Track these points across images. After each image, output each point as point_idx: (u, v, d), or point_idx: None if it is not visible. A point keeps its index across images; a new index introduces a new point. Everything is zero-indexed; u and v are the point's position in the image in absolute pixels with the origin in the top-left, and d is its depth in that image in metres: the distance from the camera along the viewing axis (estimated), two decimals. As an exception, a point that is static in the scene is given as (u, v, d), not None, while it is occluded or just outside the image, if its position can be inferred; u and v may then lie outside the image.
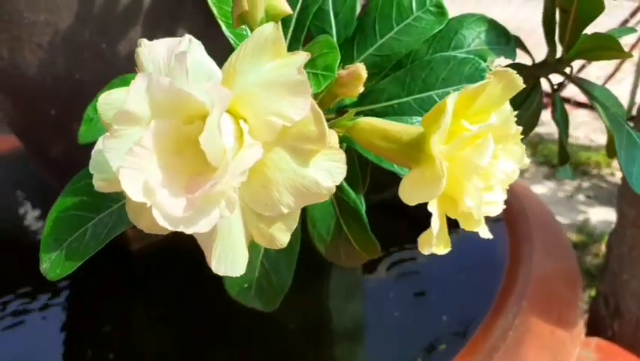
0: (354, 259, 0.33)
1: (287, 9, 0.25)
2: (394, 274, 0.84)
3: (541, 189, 1.67)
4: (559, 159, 0.44)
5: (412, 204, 0.23)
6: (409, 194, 0.23)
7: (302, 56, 0.20)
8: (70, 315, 0.87)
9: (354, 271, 0.84)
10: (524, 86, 0.24)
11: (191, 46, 0.22)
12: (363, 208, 0.34)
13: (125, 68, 0.68)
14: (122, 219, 0.24)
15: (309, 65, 0.25)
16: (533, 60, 0.45)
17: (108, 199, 0.25)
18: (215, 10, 0.29)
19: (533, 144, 1.92)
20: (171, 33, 0.68)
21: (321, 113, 0.20)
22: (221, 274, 0.22)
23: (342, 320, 0.78)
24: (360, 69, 0.26)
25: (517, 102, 0.43)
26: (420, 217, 0.28)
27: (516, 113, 0.43)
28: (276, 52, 0.21)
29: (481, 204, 0.23)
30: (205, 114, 0.21)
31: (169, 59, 0.22)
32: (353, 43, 0.30)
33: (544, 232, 0.77)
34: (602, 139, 1.95)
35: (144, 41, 0.23)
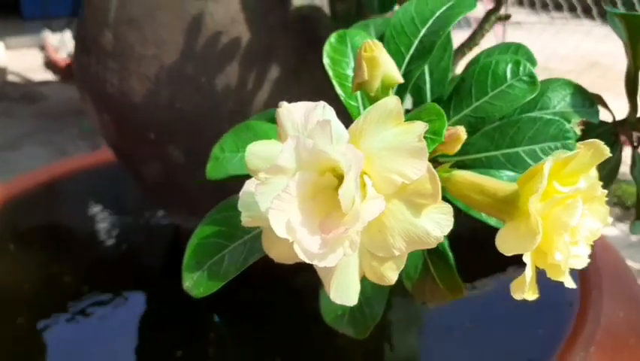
0: (439, 298, 0.37)
1: (400, 79, 0.29)
2: (460, 307, 0.85)
3: (613, 231, 1.62)
4: (636, 214, 0.46)
5: (509, 254, 0.26)
6: (506, 246, 0.26)
7: (421, 126, 0.24)
8: (143, 321, 0.94)
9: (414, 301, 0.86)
10: (611, 155, 0.27)
11: (325, 111, 0.26)
12: (450, 250, 0.38)
13: (220, 100, 0.74)
14: (255, 249, 0.29)
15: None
16: (614, 117, 0.47)
17: (241, 230, 0.29)
18: (330, 72, 0.34)
19: (604, 185, 1.87)
20: (265, 70, 0.74)
21: (436, 174, 0.24)
22: (338, 302, 0.26)
23: (401, 349, 0.81)
24: (460, 131, 0.29)
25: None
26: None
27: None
28: (397, 120, 0.25)
29: (569, 257, 0.26)
30: (335, 167, 0.25)
31: (306, 120, 0.27)
32: (450, 105, 0.34)
33: (615, 280, 0.77)
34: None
35: (284, 104, 0.27)
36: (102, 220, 1.19)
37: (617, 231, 1.64)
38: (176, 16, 0.71)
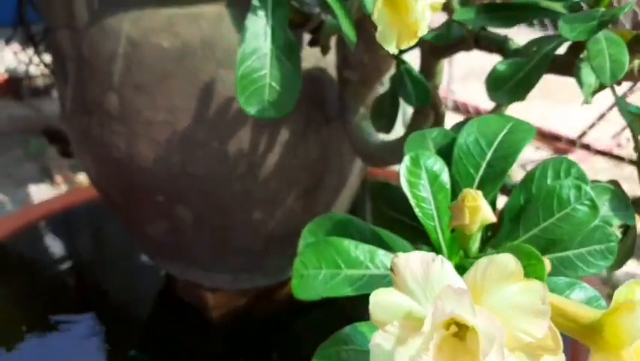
0: None
1: (493, 218, 0.33)
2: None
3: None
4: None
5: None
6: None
7: (542, 287, 0.27)
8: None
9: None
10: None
11: (444, 266, 0.29)
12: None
13: (231, 164, 0.75)
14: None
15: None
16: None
17: (353, 367, 0.31)
18: (408, 194, 0.37)
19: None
20: (275, 133, 0.76)
21: (558, 331, 0.27)
22: None
23: None
24: (548, 264, 0.33)
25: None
26: None
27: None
28: (518, 279, 0.28)
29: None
30: (460, 321, 0.28)
31: (425, 271, 0.29)
32: (518, 225, 0.38)
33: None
34: None
35: (400, 254, 0.30)
36: (90, 266, 1.16)
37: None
38: (188, 83, 0.72)
